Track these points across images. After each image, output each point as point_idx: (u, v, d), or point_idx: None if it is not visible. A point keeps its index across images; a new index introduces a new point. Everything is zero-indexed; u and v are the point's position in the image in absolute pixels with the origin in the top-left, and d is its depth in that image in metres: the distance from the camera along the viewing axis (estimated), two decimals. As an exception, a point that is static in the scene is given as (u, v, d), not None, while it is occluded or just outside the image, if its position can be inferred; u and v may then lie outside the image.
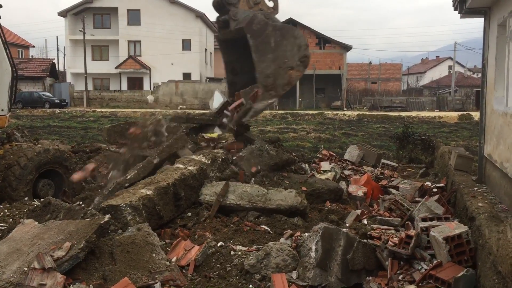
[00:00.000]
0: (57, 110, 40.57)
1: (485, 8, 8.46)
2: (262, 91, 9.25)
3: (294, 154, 11.40)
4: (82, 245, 5.00)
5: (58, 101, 46.17)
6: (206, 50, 56.89)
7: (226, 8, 9.74)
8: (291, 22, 48.18)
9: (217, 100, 9.34)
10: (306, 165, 10.52)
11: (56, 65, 57.52)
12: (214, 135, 9.08)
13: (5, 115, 8.52)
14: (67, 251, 4.95)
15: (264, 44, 9.44)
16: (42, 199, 7.53)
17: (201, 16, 53.66)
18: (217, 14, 10.08)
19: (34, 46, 72.01)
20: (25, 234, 5.50)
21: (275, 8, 10.29)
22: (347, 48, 49.97)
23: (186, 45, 53.10)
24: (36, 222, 5.84)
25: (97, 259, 5.23)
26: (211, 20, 57.49)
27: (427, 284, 4.79)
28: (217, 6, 10.15)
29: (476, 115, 30.31)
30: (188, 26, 52.64)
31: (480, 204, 5.82)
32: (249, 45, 9.28)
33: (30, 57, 65.38)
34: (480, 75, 11.24)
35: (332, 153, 11.92)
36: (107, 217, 5.55)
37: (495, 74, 8.04)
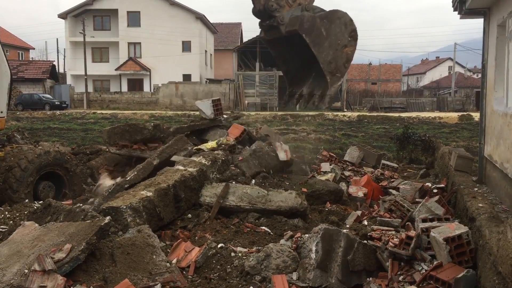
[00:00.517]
0: (58, 112, 40.58)
1: (484, 8, 8.47)
2: (330, 77, 10.00)
3: (294, 155, 11.41)
4: (82, 247, 5.01)
5: (59, 103, 46.19)
6: (206, 51, 56.92)
7: (269, 15, 10.36)
8: (291, 23, 48.27)
9: (205, 107, 9.58)
10: (307, 166, 10.52)
11: (56, 67, 57.56)
12: (213, 144, 9.12)
13: (4, 117, 8.54)
14: (67, 253, 4.95)
15: (318, 36, 10.32)
16: (42, 201, 7.54)
17: (201, 18, 53.70)
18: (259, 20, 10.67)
19: (34, 48, 72.13)
20: (26, 236, 5.50)
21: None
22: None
23: (186, 46, 53.13)
24: (36, 224, 5.84)
25: (98, 261, 5.23)
26: (211, 22, 57.62)
27: (427, 285, 4.78)
28: (258, 14, 10.80)
29: (476, 115, 30.30)
30: (188, 27, 52.67)
31: (480, 205, 5.82)
32: (298, 37, 9.92)
33: (31, 59, 65.43)
34: (480, 75, 11.27)
35: (332, 154, 11.93)
36: (107, 218, 5.55)
37: (495, 74, 8.04)
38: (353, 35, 9.67)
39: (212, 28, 58.96)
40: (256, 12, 9.97)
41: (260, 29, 9.74)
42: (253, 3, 9.68)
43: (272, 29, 9.65)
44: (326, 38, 9.26)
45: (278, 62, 10.31)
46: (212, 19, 62.89)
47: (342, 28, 9.47)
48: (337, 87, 9.29)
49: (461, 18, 9.22)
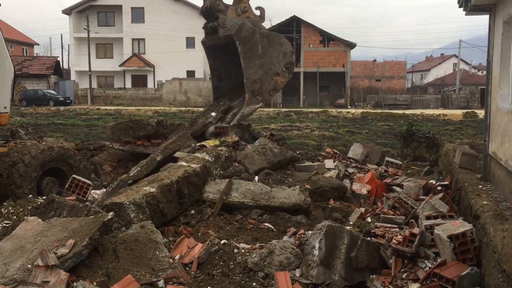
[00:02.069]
0: (62, 108, 40.69)
1: (490, 5, 8.42)
2: (249, 96, 9.68)
3: (298, 152, 11.39)
4: (85, 243, 5.01)
5: (63, 99, 46.29)
6: (210, 47, 56.84)
7: (215, 15, 10.11)
8: (295, 20, 48.18)
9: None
10: (310, 163, 10.49)
11: (61, 63, 57.69)
12: (216, 142, 9.10)
13: (7, 112, 8.56)
14: (70, 248, 4.96)
15: (252, 50, 9.93)
16: (46, 197, 7.56)
17: (205, 14, 53.63)
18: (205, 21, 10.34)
19: (38, 44, 72.25)
20: (29, 232, 5.51)
21: (262, 17, 10.83)
22: (351, 45, 49.85)
23: (190, 42, 53.09)
24: (39, 220, 5.85)
25: (101, 256, 5.24)
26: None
27: (431, 282, 4.76)
28: (205, 12, 10.55)
29: (480, 112, 30.19)
30: (192, 23, 52.58)
31: (484, 202, 5.79)
32: (237, 51, 9.64)
33: (35, 55, 65.59)
34: (485, 72, 11.19)
35: (336, 151, 11.90)
36: (110, 214, 5.56)
37: (500, 71, 8.00)
38: (289, 68, 9.38)
39: (216, 24, 58.89)
40: (203, 10, 9.75)
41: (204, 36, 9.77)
42: (204, 1, 9.46)
43: (213, 33, 9.42)
44: (260, 57, 8.92)
45: (212, 74, 10.19)
46: (216, 15, 62.65)
47: (281, 55, 9.15)
48: (252, 109, 9.01)
49: (466, 14, 9.17)
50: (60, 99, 46.02)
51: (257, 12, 10.41)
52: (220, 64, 10.77)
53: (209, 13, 10.27)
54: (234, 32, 9.66)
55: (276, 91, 10.21)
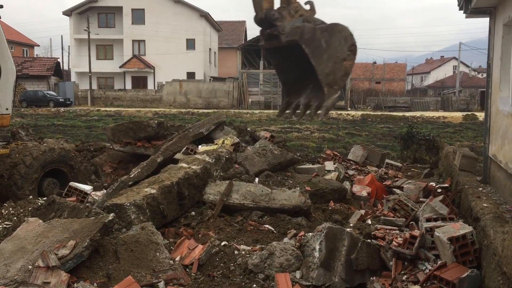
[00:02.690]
0: (62, 109, 40.68)
1: (490, 8, 8.43)
2: (327, 89, 10.04)
3: (298, 154, 11.40)
4: (86, 244, 5.02)
5: (63, 100, 46.31)
6: (210, 49, 56.94)
7: (270, 24, 10.50)
8: (295, 21, 48.11)
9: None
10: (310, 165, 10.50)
11: (61, 64, 57.73)
12: (214, 146, 9.12)
13: (9, 114, 8.57)
14: (71, 249, 4.96)
15: (318, 48, 10.31)
16: (46, 198, 7.56)
17: (205, 16, 53.71)
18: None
19: (39, 45, 72.32)
20: (30, 233, 5.52)
21: (313, 10, 11.16)
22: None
23: (190, 44, 53.16)
24: (40, 221, 5.86)
25: (101, 257, 5.24)
26: (215, 20, 57.61)
27: (431, 284, 4.77)
28: (260, 22, 10.91)
29: (480, 115, 30.20)
30: (192, 25, 52.69)
31: (485, 205, 5.80)
32: (299, 49, 10.11)
33: (35, 56, 65.63)
34: (485, 75, 11.22)
35: (336, 153, 11.91)
36: (111, 215, 5.56)
37: (500, 74, 8.01)
38: (353, 49, 9.94)
39: (216, 26, 58.96)
40: (257, 20, 10.24)
41: (260, 37, 10.16)
42: (255, 11, 9.93)
43: (272, 38, 9.94)
44: (326, 50, 9.49)
45: (277, 71, 10.59)
46: (216, 17, 62.94)
47: (342, 41, 9.75)
48: (334, 100, 9.58)
49: (466, 17, 9.19)
50: (60, 100, 46.04)
51: (307, 7, 10.87)
52: (282, 61, 11.22)
53: (265, 22, 10.68)
54: (298, 37, 10.10)
55: (347, 75, 10.74)
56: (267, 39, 11.38)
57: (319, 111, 10.51)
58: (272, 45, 11.23)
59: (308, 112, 10.64)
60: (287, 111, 11.34)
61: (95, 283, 4.86)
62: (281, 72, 11.88)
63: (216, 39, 60.95)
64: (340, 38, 10.47)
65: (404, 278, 5.05)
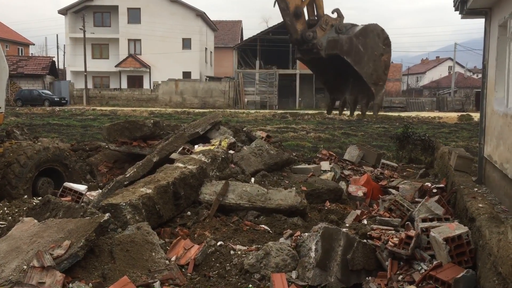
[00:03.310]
0: (57, 108, 40.55)
1: (486, 8, 8.46)
2: (374, 88, 10.58)
3: (294, 154, 11.40)
4: (81, 244, 5.00)
5: (58, 99, 46.17)
6: (206, 49, 56.89)
7: (307, 42, 11.17)
8: (291, 21, 48.14)
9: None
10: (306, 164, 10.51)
11: (56, 63, 57.49)
12: (211, 147, 9.12)
13: (2, 112, 8.53)
14: (66, 249, 4.94)
15: (357, 54, 11.18)
16: (41, 197, 7.52)
17: (201, 15, 53.66)
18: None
19: (34, 44, 71.98)
20: (25, 232, 5.49)
21: (340, 15, 11.88)
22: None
23: (186, 43, 53.10)
24: (35, 220, 5.83)
25: (97, 257, 5.23)
26: (211, 19, 57.57)
27: (427, 284, 4.78)
28: (296, 42, 11.65)
29: (475, 115, 30.33)
30: (188, 25, 52.62)
31: (480, 205, 5.81)
32: (339, 57, 10.71)
33: (30, 54, 65.36)
34: (480, 75, 11.36)
35: (331, 153, 11.92)
36: (106, 215, 5.54)
37: (496, 75, 8.04)
38: (387, 43, 10.49)
39: (212, 25, 58.92)
40: (293, 41, 10.77)
41: (296, 51, 10.73)
42: (290, 32, 10.34)
43: (309, 53, 10.49)
44: (365, 53, 10.05)
45: (315, 74, 11.31)
46: (213, 16, 62.91)
47: (376, 39, 10.32)
48: (382, 95, 10.21)
49: (462, 18, 9.22)
50: (56, 99, 45.90)
51: (335, 15, 11.49)
52: (319, 64, 11.72)
53: (301, 42, 11.35)
54: (339, 51, 10.51)
55: (388, 67, 11.72)
56: (304, 53, 12.00)
57: (370, 111, 11.09)
58: (309, 57, 11.90)
59: (359, 109, 11.33)
60: (335, 109, 11.95)
61: (90, 283, 4.84)
62: (320, 74, 12.47)
63: (212, 38, 60.90)
64: (373, 37, 11.09)
65: (399, 278, 5.05)
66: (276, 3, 10.58)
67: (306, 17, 10.91)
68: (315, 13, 10.96)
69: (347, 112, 11.44)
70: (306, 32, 10.56)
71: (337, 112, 11.43)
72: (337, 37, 10.39)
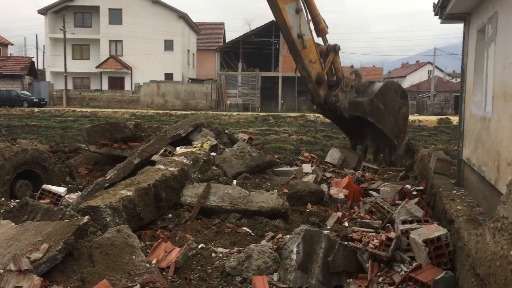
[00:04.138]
0: (36, 109, 39.94)
1: (465, 14, 8.60)
2: (396, 140, 11.36)
3: (276, 156, 11.42)
4: (60, 247, 4.91)
5: (37, 100, 45.49)
6: (188, 51, 56.69)
7: (330, 105, 11.79)
8: (274, 24, 48.33)
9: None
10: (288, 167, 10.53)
11: (36, 64, 56.65)
12: (193, 149, 9.11)
13: None
14: (44, 252, 4.85)
15: (379, 112, 12.29)
16: (19, 200, 7.39)
17: (183, 17, 53.46)
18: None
19: (13, 44, 70.81)
20: (1, 236, 5.38)
21: (358, 76, 12.80)
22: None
23: (169, 45, 52.84)
24: (12, 223, 5.73)
25: (75, 261, 5.15)
26: (194, 21, 57.41)
27: (406, 286, 4.82)
28: (319, 104, 12.39)
29: (454, 119, 30.78)
30: (171, 26, 52.39)
31: (458, 207, 5.89)
32: (368, 121, 11.71)
33: (9, 55, 64.22)
34: (459, 80, 11.77)
35: (313, 155, 11.96)
36: (86, 218, 5.46)
37: (474, 79, 8.17)
38: (404, 96, 11.25)
39: (194, 27, 58.75)
40: (316, 104, 11.49)
41: (317, 108, 11.65)
42: (312, 97, 11.00)
43: (333, 112, 11.43)
44: (385, 110, 10.75)
45: (335, 123, 12.16)
46: (195, 18, 62.64)
47: (394, 94, 11.04)
48: (404, 146, 11.06)
49: (441, 22, 9.35)
50: (35, 100, 45.22)
51: (353, 76, 12.40)
52: (343, 118, 12.51)
53: (323, 104, 11.83)
54: (362, 114, 11.38)
55: (407, 118, 11.87)
56: (326, 112, 12.83)
57: (394, 160, 11.91)
58: (331, 114, 12.64)
59: (381, 158, 12.07)
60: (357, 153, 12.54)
61: (69, 287, 4.76)
62: (340, 123, 13.23)
63: (194, 40, 60.72)
64: (392, 93, 12.02)
65: (380, 280, 5.09)
66: (298, 71, 11.32)
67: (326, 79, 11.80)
68: (334, 75, 11.86)
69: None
70: (329, 97, 11.48)
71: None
72: (358, 98, 11.28)
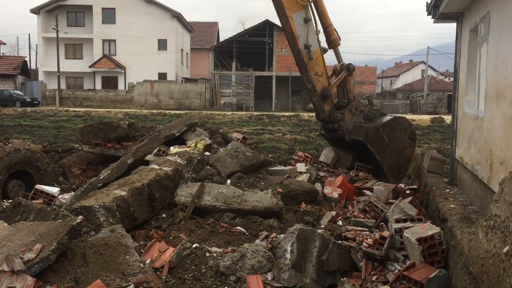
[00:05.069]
0: (29, 109, 39.69)
1: (457, 13, 8.65)
2: (392, 180, 10.40)
3: (270, 156, 11.42)
4: (53, 247, 4.89)
5: (30, 100, 45.24)
6: (182, 50, 56.57)
7: (334, 122, 11.38)
8: (267, 24, 48.38)
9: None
10: (282, 166, 10.54)
11: (28, 63, 56.31)
12: (187, 149, 9.09)
13: None
14: (37, 253, 4.83)
15: (381, 144, 11.45)
16: (12, 200, 7.35)
17: (177, 16, 53.34)
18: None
19: (5, 43, 70.27)
20: (-6, 236, 5.35)
21: (371, 103, 12.23)
22: (323, 50, 50.28)
23: (162, 45, 52.70)
24: (5, 224, 5.70)
25: (69, 261, 5.13)
26: (187, 20, 57.29)
27: (400, 284, 4.84)
28: (323, 121, 11.84)
29: (447, 118, 30.95)
30: (164, 25, 52.27)
31: (452, 206, 5.93)
32: (369, 149, 10.83)
33: (1, 54, 63.79)
34: (452, 79, 11.64)
35: (307, 154, 11.97)
36: (79, 218, 5.44)
37: (467, 78, 8.22)
38: (412, 137, 10.58)
39: (188, 26, 58.63)
40: (321, 120, 10.99)
41: (321, 128, 11.15)
42: (317, 111, 10.55)
43: (334, 132, 10.76)
44: (389, 144, 10.15)
45: (339, 151, 11.75)
46: (189, 17, 62.67)
47: (403, 132, 10.39)
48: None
49: (434, 22, 9.40)
50: (27, 100, 44.97)
51: (365, 102, 11.87)
52: (342, 144, 12.07)
53: (328, 121, 11.22)
54: (363, 139, 10.72)
55: (410, 162, 11.06)
56: (328, 131, 12.24)
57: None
58: (333, 136, 12.09)
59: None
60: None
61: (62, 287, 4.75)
62: (343, 152, 12.53)
63: (188, 40, 60.60)
64: (400, 129, 11.37)
65: (374, 278, 5.11)
66: (303, 83, 10.88)
67: (337, 99, 11.26)
68: (345, 97, 11.28)
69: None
70: (334, 113, 10.90)
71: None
72: (364, 123, 10.71)
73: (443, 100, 52.66)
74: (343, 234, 5.93)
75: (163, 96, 48.98)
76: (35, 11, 52.14)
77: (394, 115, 12.29)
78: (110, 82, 52.65)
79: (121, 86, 52.12)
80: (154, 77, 51.64)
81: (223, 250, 5.87)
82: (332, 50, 11.69)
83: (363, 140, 10.63)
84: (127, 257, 5.37)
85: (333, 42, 11.36)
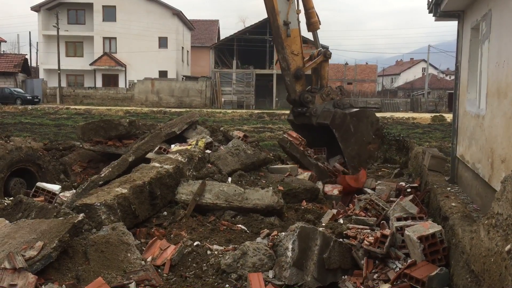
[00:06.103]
0: (29, 107, 39.71)
1: (459, 11, 8.63)
2: (351, 171, 10.50)
3: (271, 154, 11.42)
4: (54, 245, 4.90)
5: (30, 97, 45.22)
6: (183, 48, 56.53)
7: (303, 105, 11.41)
8: (268, 22, 48.32)
9: None
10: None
11: (29, 61, 56.27)
12: (188, 146, 9.10)
13: None
14: (39, 250, 4.84)
15: (346, 132, 11.50)
16: (13, 198, 7.36)
17: (178, 14, 53.29)
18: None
19: (6, 41, 70.09)
20: (-5, 234, 5.35)
21: (343, 93, 11.90)
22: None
23: (163, 42, 52.65)
24: (7, 221, 5.70)
25: (70, 258, 5.13)
26: (188, 18, 57.23)
27: (401, 283, 4.84)
28: (293, 102, 11.90)
29: (448, 116, 30.92)
30: (165, 23, 52.21)
31: (453, 204, 5.92)
32: (327, 129, 10.83)
33: (2, 52, 63.76)
34: (453, 77, 11.60)
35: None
36: (81, 216, 5.45)
37: (468, 76, 8.21)
38: (378, 134, 10.74)
39: (189, 24, 58.58)
40: (291, 101, 11.06)
41: (290, 113, 11.28)
42: (288, 92, 10.74)
43: (303, 116, 10.77)
44: (353, 135, 10.24)
45: (306, 139, 11.88)
46: (189, 15, 62.59)
47: (369, 126, 10.54)
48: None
49: (435, 20, 9.39)
50: (28, 97, 44.95)
51: (338, 91, 11.89)
52: (309, 134, 12.05)
53: (297, 103, 11.22)
54: (330, 122, 10.66)
55: (372, 158, 11.33)
56: (297, 116, 12.31)
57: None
58: (301, 122, 12.11)
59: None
60: None
61: (64, 285, 4.75)
62: (305, 135, 12.53)
63: (189, 37, 60.55)
64: (367, 123, 11.49)
65: (375, 276, 5.11)
66: (278, 62, 10.98)
67: (310, 86, 11.31)
68: (318, 83, 11.42)
69: None
70: (305, 94, 10.97)
71: None
72: (332, 109, 10.73)
73: (444, 99, 52.57)
74: (344, 232, 5.94)
75: (164, 94, 48.95)
76: (36, 8, 52.10)
77: (363, 107, 12.58)
78: (110, 80, 52.63)
79: (121, 84, 52.08)
80: (155, 75, 51.60)
81: (224, 248, 5.87)
82: (313, 32, 11.82)
83: (329, 124, 10.61)
84: (129, 254, 5.38)
85: (312, 24, 11.60)
